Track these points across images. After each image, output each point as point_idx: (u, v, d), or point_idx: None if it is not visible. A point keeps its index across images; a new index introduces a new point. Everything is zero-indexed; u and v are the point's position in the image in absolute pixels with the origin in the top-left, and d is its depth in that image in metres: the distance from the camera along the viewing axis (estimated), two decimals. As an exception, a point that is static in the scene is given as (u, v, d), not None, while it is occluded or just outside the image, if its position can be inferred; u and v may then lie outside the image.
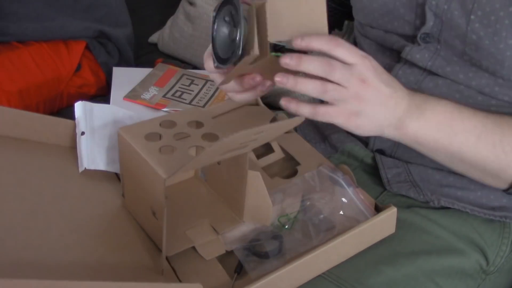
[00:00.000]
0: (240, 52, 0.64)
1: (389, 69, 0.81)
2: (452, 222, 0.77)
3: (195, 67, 1.47)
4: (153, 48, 1.61)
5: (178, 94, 1.27)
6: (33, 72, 1.24)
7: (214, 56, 0.68)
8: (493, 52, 0.70)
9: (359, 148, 0.85)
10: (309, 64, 0.63)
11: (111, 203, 0.74)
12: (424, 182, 0.79)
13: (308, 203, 0.73)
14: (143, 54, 1.54)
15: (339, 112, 0.66)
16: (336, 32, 1.09)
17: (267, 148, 0.84)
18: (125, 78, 1.31)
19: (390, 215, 0.71)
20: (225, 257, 0.69)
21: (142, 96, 1.25)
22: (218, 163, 0.73)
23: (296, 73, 0.65)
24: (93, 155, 0.76)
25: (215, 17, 0.67)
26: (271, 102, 1.08)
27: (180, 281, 0.65)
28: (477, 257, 0.77)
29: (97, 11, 1.35)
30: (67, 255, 0.62)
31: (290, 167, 0.81)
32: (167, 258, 0.67)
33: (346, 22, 1.38)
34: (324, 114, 0.66)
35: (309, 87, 0.65)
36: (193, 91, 1.29)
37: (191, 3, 1.52)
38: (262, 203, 0.68)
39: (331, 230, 0.70)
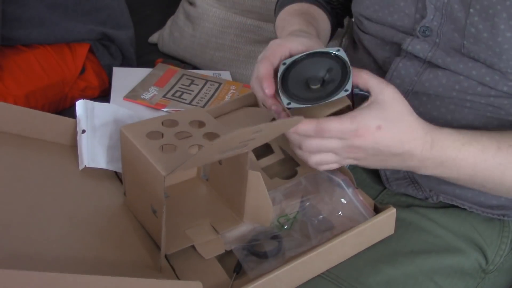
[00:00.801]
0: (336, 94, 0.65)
1: (389, 62, 0.82)
2: (451, 221, 0.78)
3: (195, 67, 1.47)
4: (153, 48, 1.61)
5: (178, 94, 1.27)
6: (39, 75, 1.25)
7: (285, 93, 0.66)
8: (491, 45, 0.70)
9: None
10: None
11: (111, 201, 0.74)
12: (423, 179, 0.79)
13: (308, 203, 0.73)
14: (143, 54, 1.54)
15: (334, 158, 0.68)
16: (338, 30, 1.09)
17: (266, 149, 0.84)
18: (125, 78, 1.31)
19: (389, 216, 0.71)
20: (225, 257, 0.69)
21: (142, 96, 1.25)
22: (220, 163, 0.73)
23: None
24: (93, 153, 0.77)
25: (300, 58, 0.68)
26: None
27: (178, 279, 0.65)
28: (476, 256, 0.77)
29: (100, 14, 1.35)
30: (66, 251, 0.62)
31: (289, 168, 0.81)
32: (166, 257, 0.67)
33: (346, 22, 1.38)
34: (319, 161, 0.68)
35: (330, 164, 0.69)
36: (193, 91, 1.29)
37: (191, 3, 1.53)
38: (262, 203, 0.68)
39: (330, 231, 0.70)
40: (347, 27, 1.43)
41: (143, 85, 1.29)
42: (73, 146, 0.79)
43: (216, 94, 1.28)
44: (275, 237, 0.70)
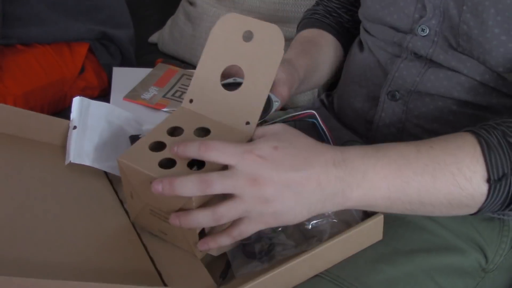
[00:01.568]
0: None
1: (391, 63, 0.82)
2: (451, 220, 0.77)
3: (195, 67, 1.47)
4: (153, 48, 1.61)
5: (178, 94, 1.27)
6: (38, 74, 1.25)
7: None
8: (482, 41, 0.71)
9: (360, 145, 0.85)
10: (183, 187, 0.58)
11: (101, 202, 0.74)
12: None
13: None
14: (143, 54, 1.54)
15: (255, 222, 0.60)
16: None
17: None
18: (125, 78, 1.31)
19: (376, 222, 0.69)
20: (213, 262, 0.69)
21: (142, 96, 1.25)
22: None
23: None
24: (81, 149, 0.76)
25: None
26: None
27: (165, 285, 0.64)
28: (476, 256, 0.77)
29: (99, 13, 1.36)
30: (52, 255, 0.61)
31: None
32: (153, 261, 0.67)
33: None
34: (242, 233, 0.61)
35: (201, 221, 0.60)
36: (193, 91, 1.29)
37: (191, 3, 1.53)
38: None
39: (320, 236, 0.69)
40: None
41: (143, 85, 1.30)
42: (65, 147, 0.79)
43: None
44: (267, 238, 0.69)
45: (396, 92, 0.81)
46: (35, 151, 0.77)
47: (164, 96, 1.25)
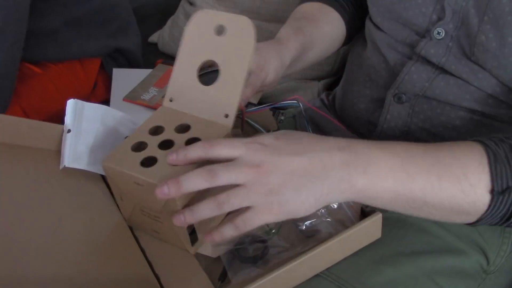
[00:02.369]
0: None
1: (401, 64, 0.81)
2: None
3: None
4: (153, 48, 1.61)
5: (178, 94, 1.27)
6: (54, 98, 1.23)
7: None
8: (498, 55, 0.70)
9: None
10: (189, 183, 0.58)
11: (98, 207, 0.73)
12: None
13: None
14: (143, 55, 1.53)
15: (261, 212, 0.58)
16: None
17: None
18: (125, 79, 1.31)
19: (375, 221, 0.68)
20: (211, 265, 0.68)
21: (142, 97, 1.25)
22: None
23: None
24: (75, 153, 0.76)
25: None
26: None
27: None
28: (477, 257, 0.76)
29: (111, 25, 1.34)
30: (48, 269, 0.60)
31: None
32: (151, 266, 0.67)
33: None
34: (247, 222, 0.59)
35: (205, 211, 0.59)
36: (193, 91, 1.29)
37: (191, 3, 1.52)
38: None
39: (316, 236, 0.68)
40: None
41: (143, 85, 1.29)
42: (59, 151, 0.79)
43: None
44: (261, 241, 0.68)
45: (403, 95, 0.81)
46: (28, 158, 0.76)
47: (163, 97, 1.25)
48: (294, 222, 0.70)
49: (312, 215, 0.68)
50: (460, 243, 0.76)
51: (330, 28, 0.94)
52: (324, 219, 0.69)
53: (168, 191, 0.58)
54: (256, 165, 0.57)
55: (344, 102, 0.94)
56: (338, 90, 1.01)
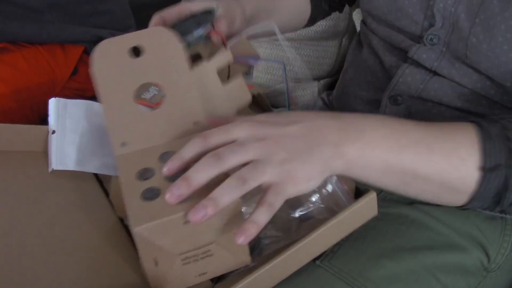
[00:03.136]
0: None
1: (396, 67, 0.81)
2: (453, 219, 0.77)
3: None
4: (152, 48, 1.61)
5: (177, 94, 1.27)
6: (26, 74, 1.23)
7: None
8: (491, 56, 0.70)
9: None
10: (198, 174, 0.56)
11: (90, 208, 0.71)
12: None
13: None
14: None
15: (284, 183, 0.57)
16: (336, 13, 1.09)
17: None
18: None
19: (369, 200, 0.66)
20: None
21: (142, 96, 1.25)
22: None
23: None
24: (62, 154, 0.73)
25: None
26: (272, 103, 1.09)
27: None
28: (478, 254, 0.76)
29: (100, 18, 1.34)
30: (41, 281, 0.58)
31: None
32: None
33: (347, 22, 1.38)
34: (278, 197, 0.57)
35: (229, 194, 0.55)
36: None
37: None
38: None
39: (309, 222, 0.67)
40: (348, 27, 1.43)
41: (144, 84, 1.29)
42: (46, 152, 0.77)
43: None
44: None
45: (399, 97, 0.81)
46: (15, 162, 0.74)
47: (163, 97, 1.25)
48: (287, 211, 0.69)
49: (305, 203, 0.68)
50: (461, 239, 0.76)
51: (294, 1, 0.94)
52: (317, 205, 0.69)
53: (179, 191, 0.55)
54: (260, 139, 0.57)
55: (341, 104, 0.95)
56: (334, 91, 1.01)
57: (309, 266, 0.65)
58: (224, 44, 0.73)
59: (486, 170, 0.60)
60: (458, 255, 0.75)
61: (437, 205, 0.78)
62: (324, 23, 1.40)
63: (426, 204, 0.78)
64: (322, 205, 0.69)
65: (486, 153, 0.60)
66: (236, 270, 0.64)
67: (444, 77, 0.77)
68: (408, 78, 0.79)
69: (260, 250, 0.66)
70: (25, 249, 0.62)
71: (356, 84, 0.90)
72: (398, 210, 0.76)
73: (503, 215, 0.76)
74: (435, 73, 0.78)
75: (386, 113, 0.83)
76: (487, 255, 0.77)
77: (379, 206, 0.69)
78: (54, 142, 0.74)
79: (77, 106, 0.78)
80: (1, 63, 1.21)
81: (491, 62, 0.70)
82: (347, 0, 1.02)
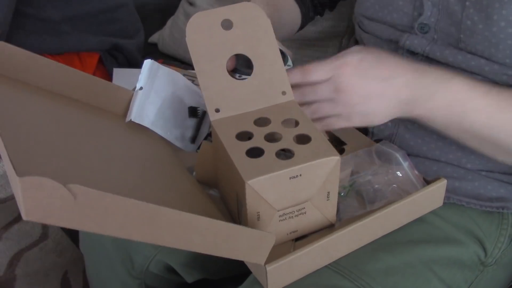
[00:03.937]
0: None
1: None
2: (450, 213, 0.78)
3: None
4: (153, 48, 1.62)
5: (178, 93, 1.28)
6: None
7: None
8: (488, 35, 0.71)
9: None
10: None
11: (171, 165, 0.74)
12: (421, 173, 0.80)
13: (364, 174, 0.74)
14: (143, 55, 1.54)
15: (340, 120, 0.70)
16: (336, 14, 1.10)
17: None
18: (125, 78, 1.32)
19: (440, 186, 0.72)
20: None
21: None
22: None
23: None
24: (142, 110, 0.77)
25: None
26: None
27: None
28: (475, 248, 0.77)
29: (113, 26, 1.36)
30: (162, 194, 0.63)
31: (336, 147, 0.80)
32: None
33: (346, 23, 1.38)
34: (329, 125, 0.71)
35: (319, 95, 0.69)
36: (193, 90, 1.30)
37: (191, 3, 1.53)
38: None
39: (383, 200, 0.71)
40: (347, 28, 1.43)
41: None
42: (125, 116, 0.79)
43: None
44: None
45: None
46: (101, 118, 0.76)
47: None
48: (363, 187, 0.74)
49: (379, 182, 0.74)
50: (458, 233, 0.77)
51: (289, 15, 0.97)
52: (391, 185, 0.73)
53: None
54: (338, 89, 0.68)
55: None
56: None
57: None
58: None
59: None
60: (454, 248, 0.75)
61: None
62: (324, 24, 1.41)
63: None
64: (394, 185, 0.73)
65: None
66: (319, 231, 0.68)
67: (436, 63, 0.77)
68: None
69: (339, 216, 0.70)
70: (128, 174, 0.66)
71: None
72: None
73: None
74: (427, 59, 0.78)
75: None
76: (484, 249, 0.78)
77: None
78: (139, 97, 0.77)
79: (168, 74, 0.82)
80: None
81: (488, 41, 0.71)
82: (328, 6, 1.04)
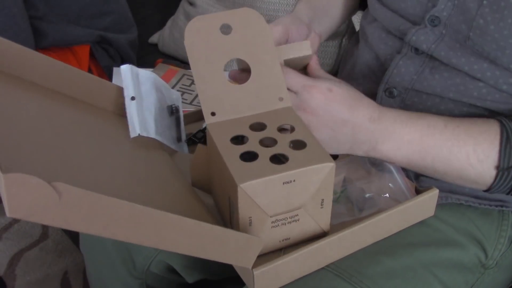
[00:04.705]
0: None
1: (391, 59, 0.82)
2: (450, 215, 0.78)
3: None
4: (153, 48, 1.62)
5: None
6: None
7: None
8: (497, 38, 0.70)
9: None
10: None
11: (165, 171, 0.73)
12: (419, 175, 0.80)
13: (356, 182, 0.74)
14: (144, 55, 1.54)
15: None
16: (338, 30, 1.10)
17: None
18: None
19: (431, 196, 0.72)
20: None
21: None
22: None
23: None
24: (144, 121, 0.74)
25: None
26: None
27: None
28: (475, 251, 0.77)
29: (103, 19, 1.35)
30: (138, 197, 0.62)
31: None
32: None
33: (346, 23, 1.38)
34: None
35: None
36: (193, 91, 1.30)
37: (191, 3, 1.53)
38: None
39: (374, 208, 0.71)
40: (348, 28, 1.43)
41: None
42: (115, 113, 0.78)
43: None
44: None
45: (394, 89, 0.81)
46: (93, 115, 0.75)
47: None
48: (355, 194, 0.74)
49: (371, 191, 0.74)
50: (458, 236, 0.76)
51: (337, 9, 0.98)
52: (382, 195, 0.73)
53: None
54: (303, 108, 0.69)
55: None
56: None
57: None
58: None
59: (501, 169, 0.69)
60: (455, 251, 0.75)
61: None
62: (324, 23, 1.41)
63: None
64: (386, 195, 0.73)
65: (503, 154, 0.69)
66: (312, 239, 0.67)
67: (438, 66, 0.77)
68: (402, 69, 0.80)
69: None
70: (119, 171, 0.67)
71: (353, 78, 0.90)
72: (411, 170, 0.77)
73: None
74: (430, 61, 0.78)
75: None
76: (484, 251, 0.78)
77: None
78: (134, 108, 0.75)
79: (146, 75, 0.79)
80: None
81: (496, 43, 0.70)
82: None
